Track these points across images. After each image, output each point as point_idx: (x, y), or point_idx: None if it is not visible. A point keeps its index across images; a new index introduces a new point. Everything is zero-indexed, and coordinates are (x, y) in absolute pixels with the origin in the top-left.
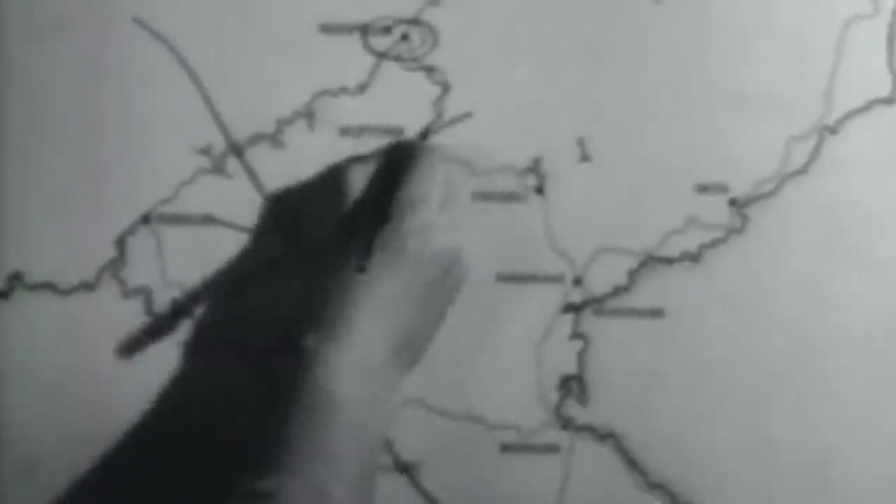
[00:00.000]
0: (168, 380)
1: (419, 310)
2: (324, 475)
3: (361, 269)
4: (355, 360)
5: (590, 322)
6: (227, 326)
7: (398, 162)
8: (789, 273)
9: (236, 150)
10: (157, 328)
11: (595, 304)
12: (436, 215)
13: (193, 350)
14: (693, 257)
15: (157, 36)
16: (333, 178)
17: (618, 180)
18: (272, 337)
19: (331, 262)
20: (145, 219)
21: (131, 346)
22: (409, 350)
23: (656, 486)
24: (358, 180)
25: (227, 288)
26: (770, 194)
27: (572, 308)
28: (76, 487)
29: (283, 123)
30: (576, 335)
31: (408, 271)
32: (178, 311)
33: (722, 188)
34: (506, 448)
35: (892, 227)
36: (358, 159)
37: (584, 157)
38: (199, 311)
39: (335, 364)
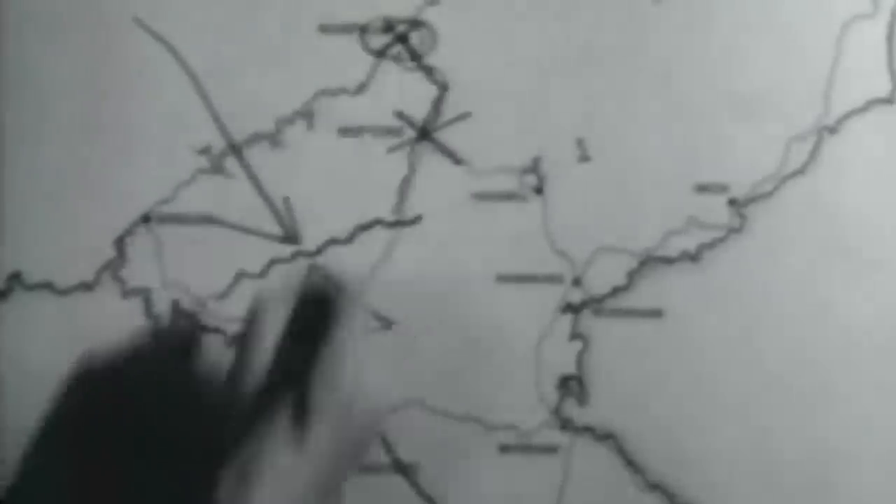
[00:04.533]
0: None
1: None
2: None
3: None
4: None
5: (589, 322)
6: None
7: (312, 313)
8: (788, 273)
9: (236, 150)
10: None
11: (594, 304)
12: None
13: None
14: (693, 257)
15: (157, 36)
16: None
17: (618, 180)
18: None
19: (257, 409)
20: (145, 219)
21: None
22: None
23: (655, 486)
24: (274, 327)
25: None
26: (769, 194)
27: (572, 308)
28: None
29: (282, 123)
30: (575, 335)
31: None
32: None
33: (722, 188)
34: (505, 448)
35: (891, 227)
36: (274, 300)
37: (584, 157)
38: None
39: None
